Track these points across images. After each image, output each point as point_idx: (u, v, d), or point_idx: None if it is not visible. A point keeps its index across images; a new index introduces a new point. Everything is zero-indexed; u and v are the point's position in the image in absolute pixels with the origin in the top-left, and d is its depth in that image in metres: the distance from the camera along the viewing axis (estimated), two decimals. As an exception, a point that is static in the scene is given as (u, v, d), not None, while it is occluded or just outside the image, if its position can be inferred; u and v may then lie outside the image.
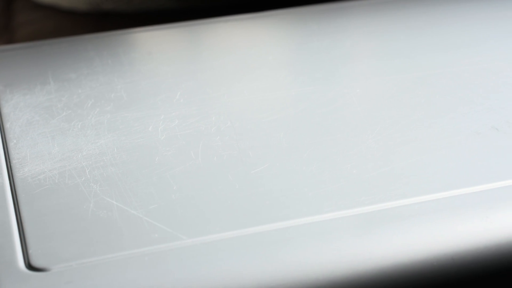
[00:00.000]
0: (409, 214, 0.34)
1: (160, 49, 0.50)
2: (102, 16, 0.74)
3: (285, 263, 0.33)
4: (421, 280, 0.32)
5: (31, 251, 0.32)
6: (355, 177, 0.36)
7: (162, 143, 0.39)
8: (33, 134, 0.40)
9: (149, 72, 0.47)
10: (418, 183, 0.36)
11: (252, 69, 0.46)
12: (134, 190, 0.36)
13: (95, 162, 0.38)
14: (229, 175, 0.37)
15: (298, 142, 0.39)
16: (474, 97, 0.42)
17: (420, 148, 0.38)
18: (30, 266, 0.32)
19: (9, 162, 0.38)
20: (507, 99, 0.42)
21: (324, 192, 0.36)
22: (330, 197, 0.35)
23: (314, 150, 0.38)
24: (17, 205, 0.35)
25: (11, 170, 0.37)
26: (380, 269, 0.33)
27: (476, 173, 0.36)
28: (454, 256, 0.33)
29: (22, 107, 0.42)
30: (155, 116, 0.42)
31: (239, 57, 0.48)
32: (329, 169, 0.37)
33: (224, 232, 0.34)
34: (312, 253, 0.33)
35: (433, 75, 0.44)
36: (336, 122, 0.40)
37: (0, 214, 0.35)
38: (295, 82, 0.45)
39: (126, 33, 0.53)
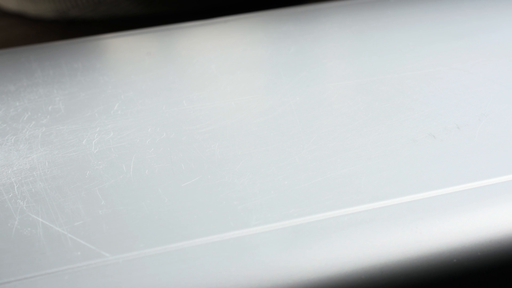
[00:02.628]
0: (337, 226, 0.34)
1: (103, 59, 0.50)
2: (69, 24, 0.74)
3: (210, 279, 0.32)
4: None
5: None
6: (286, 189, 0.36)
7: (94, 157, 0.39)
8: (-38, 150, 0.39)
9: (89, 83, 0.46)
10: (350, 194, 0.35)
11: (193, 79, 0.46)
12: (62, 206, 0.36)
13: (25, 178, 0.37)
14: (159, 188, 0.36)
15: (232, 153, 0.38)
16: (414, 104, 0.41)
17: (355, 157, 0.38)
18: None
19: None
20: (447, 106, 0.41)
21: (253, 205, 0.35)
22: (259, 210, 0.35)
23: (247, 162, 0.38)
24: None
25: None
26: (308, 283, 0.32)
27: (409, 182, 0.36)
28: (383, 268, 0.33)
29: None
30: (90, 129, 0.41)
31: (181, 66, 0.47)
32: (260, 181, 0.36)
33: (148, 249, 0.33)
34: (238, 268, 0.32)
35: (374, 81, 0.44)
36: (272, 132, 0.40)
37: None
38: (236, 91, 0.44)
39: (72, 43, 0.52)
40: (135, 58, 0.50)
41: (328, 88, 0.44)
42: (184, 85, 0.45)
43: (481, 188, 0.35)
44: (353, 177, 0.36)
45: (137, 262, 0.32)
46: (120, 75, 0.47)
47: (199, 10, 0.70)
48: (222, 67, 0.47)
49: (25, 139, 0.40)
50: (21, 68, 0.48)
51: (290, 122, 0.41)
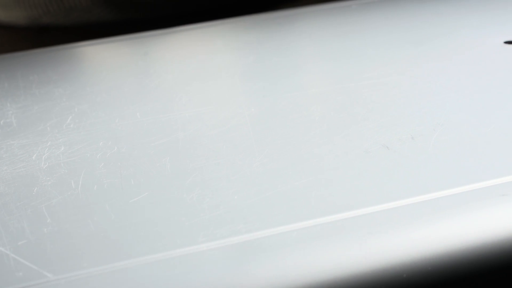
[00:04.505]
0: (285, 242, 0.33)
1: (60, 70, 0.49)
2: (42, 30, 0.73)
3: (156, 298, 0.31)
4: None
5: None
6: (235, 204, 0.35)
7: (43, 172, 0.38)
8: None
9: (44, 96, 0.46)
10: (299, 208, 0.35)
11: (149, 90, 0.45)
12: (6, 224, 0.35)
13: (-29, 195, 0.37)
14: (106, 205, 0.36)
15: (182, 167, 0.38)
16: (369, 114, 0.41)
17: (307, 170, 0.37)
18: None
19: None
20: (402, 115, 0.41)
21: (202, 221, 0.34)
22: (207, 226, 0.34)
23: (198, 176, 0.37)
24: None
25: None
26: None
27: (359, 195, 0.35)
28: (332, 284, 0.32)
29: None
30: (41, 143, 0.41)
31: (138, 77, 0.47)
32: (210, 195, 0.36)
33: (92, 268, 0.32)
34: (183, 286, 0.32)
35: (331, 91, 0.43)
36: (225, 145, 0.39)
37: None
38: (191, 103, 0.44)
39: (29, 54, 0.51)
40: (91, 69, 0.49)
41: (284, 98, 0.43)
42: (139, 96, 0.45)
43: (433, 201, 0.35)
44: (304, 190, 0.36)
45: (79, 282, 0.32)
46: (76, 87, 0.47)
47: (171, 16, 0.70)
48: (178, 77, 0.47)
49: (-26, 154, 0.40)
50: (-25, 80, 0.47)
51: (244, 134, 0.40)
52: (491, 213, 0.34)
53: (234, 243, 0.33)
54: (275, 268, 0.32)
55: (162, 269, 0.32)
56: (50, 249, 0.33)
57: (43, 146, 0.40)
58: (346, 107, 0.42)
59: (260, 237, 0.33)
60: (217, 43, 0.50)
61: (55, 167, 0.38)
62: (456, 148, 0.38)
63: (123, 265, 0.32)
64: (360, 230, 0.34)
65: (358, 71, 0.45)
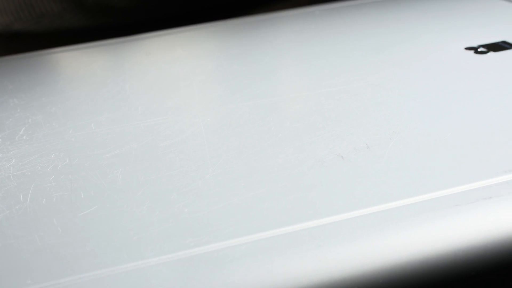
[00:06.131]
0: (234, 255, 0.32)
1: (16, 80, 0.48)
2: (14, 37, 0.73)
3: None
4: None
5: None
6: (185, 217, 0.35)
7: (-8, 186, 0.37)
8: None
9: (-2, 106, 0.45)
10: (250, 221, 0.34)
11: (105, 99, 0.45)
12: (-49, 240, 0.34)
13: None
14: (54, 219, 0.35)
15: (134, 179, 0.37)
16: (325, 123, 0.40)
17: (259, 181, 0.36)
18: None
19: None
20: (359, 124, 0.40)
21: (150, 235, 0.34)
22: (155, 240, 0.33)
23: (149, 188, 0.36)
24: None
25: None
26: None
27: (311, 207, 0.35)
28: (281, 299, 0.31)
29: None
30: (-8, 156, 0.40)
31: (95, 86, 0.46)
32: (160, 208, 0.35)
33: (35, 285, 0.32)
34: (128, 303, 0.31)
35: (288, 99, 0.43)
36: (178, 156, 0.39)
37: None
38: (146, 113, 0.43)
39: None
40: (49, 78, 0.48)
41: (241, 108, 0.42)
42: (95, 106, 0.44)
43: (386, 212, 0.34)
44: (256, 202, 0.35)
45: (22, 300, 0.31)
46: (31, 97, 0.46)
47: (142, 22, 0.70)
48: (135, 87, 0.46)
49: None
50: None
51: (198, 145, 0.39)
52: (444, 224, 0.34)
53: (182, 257, 0.33)
54: (224, 284, 0.31)
55: (107, 285, 0.31)
56: (-6, 266, 0.32)
57: (-6, 159, 0.39)
58: (303, 116, 0.41)
59: (209, 251, 0.33)
60: (177, 51, 0.49)
61: (5, 180, 0.38)
62: (410, 157, 0.37)
63: (68, 281, 0.32)
64: (312, 242, 0.33)
65: (317, 79, 0.45)
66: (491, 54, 0.47)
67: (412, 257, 0.33)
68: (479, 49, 0.48)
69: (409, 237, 0.34)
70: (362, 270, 0.32)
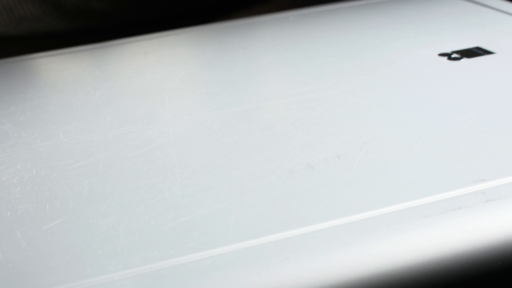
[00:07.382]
0: (199, 270, 0.32)
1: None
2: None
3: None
4: None
5: None
6: (151, 230, 0.34)
7: (-44, 198, 0.37)
8: None
9: (-34, 115, 0.44)
10: (216, 234, 0.34)
11: (74, 108, 0.44)
12: None
13: None
14: (18, 232, 0.34)
15: (101, 191, 0.37)
16: (296, 132, 0.40)
17: (227, 192, 0.36)
18: None
19: None
20: (329, 133, 0.40)
21: (115, 248, 0.33)
22: (120, 254, 0.33)
23: (116, 200, 0.36)
24: None
25: None
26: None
27: (278, 219, 0.34)
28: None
29: None
30: (-43, 167, 0.39)
31: (65, 95, 0.46)
32: (126, 221, 0.35)
33: (-4, 301, 0.31)
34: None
35: (259, 108, 0.42)
36: (146, 166, 0.38)
37: None
38: (116, 121, 0.42)
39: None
40: (18, 86, 0.48)
41: (211, 116, 0.42)
42: (64, 115, 0.43)
43: (355, 223, 0.34)
44: (223, 214, 0.35)
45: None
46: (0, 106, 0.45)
47: (121, 26, 0.69)
48: (106, 95, 0.45)
49: None
50: None
51: (166, 155, 0.39)
52: (414, 235, 0.34)
53: (146, 271, 0.32)
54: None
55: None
56: (-45, 282, 0.32)
57: (-41, 170, 0.39)
58: (272, 125, 0.41)
59: (174, 264, 0.32)
60: (149, 58, 0.49)
61: (-31, 192, 0.37)
62: (381, 166, 0.37)
63: (30, 297, 0.31)
64: (279, 256, 0.33)
65: (288, 87, 0.44)
66: (464, 60, 0.47)
67: (381, 269, 0.33)
68: (453, 55, 0.47)
69: (377, 249, 0.33)
70: (329, 283, 0.32)
